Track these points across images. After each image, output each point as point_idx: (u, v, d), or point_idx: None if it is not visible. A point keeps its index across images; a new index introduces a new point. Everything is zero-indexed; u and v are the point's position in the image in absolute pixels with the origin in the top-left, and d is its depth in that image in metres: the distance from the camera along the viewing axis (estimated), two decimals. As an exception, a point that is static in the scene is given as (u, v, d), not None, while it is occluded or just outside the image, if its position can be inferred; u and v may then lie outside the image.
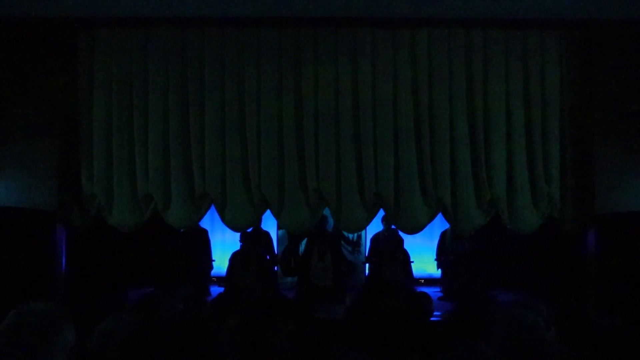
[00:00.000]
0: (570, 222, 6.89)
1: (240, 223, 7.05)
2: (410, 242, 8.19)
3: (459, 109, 6.84)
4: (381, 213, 8.36)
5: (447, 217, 7.03)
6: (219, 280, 8.13)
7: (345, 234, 8.51)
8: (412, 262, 7.89)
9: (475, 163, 6.86)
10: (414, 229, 7.08)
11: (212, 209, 8.79)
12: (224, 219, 6.98)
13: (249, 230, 7.91)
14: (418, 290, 5.58)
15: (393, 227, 7.95)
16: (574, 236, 7.01)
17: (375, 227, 8.33)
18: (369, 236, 8.25)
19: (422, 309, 3.87)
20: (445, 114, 6.84)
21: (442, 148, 6.83)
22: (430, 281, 8.67)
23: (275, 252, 8.20)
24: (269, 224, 8.47)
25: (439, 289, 8.11)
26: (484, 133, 6.86)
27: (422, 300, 4.08)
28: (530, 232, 7.00)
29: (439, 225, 8.77)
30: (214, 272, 8.13)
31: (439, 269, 8.13)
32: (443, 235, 8.15)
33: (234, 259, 7.64)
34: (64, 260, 6.97)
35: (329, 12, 6.64)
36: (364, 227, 7.49)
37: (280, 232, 8.47)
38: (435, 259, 8.14)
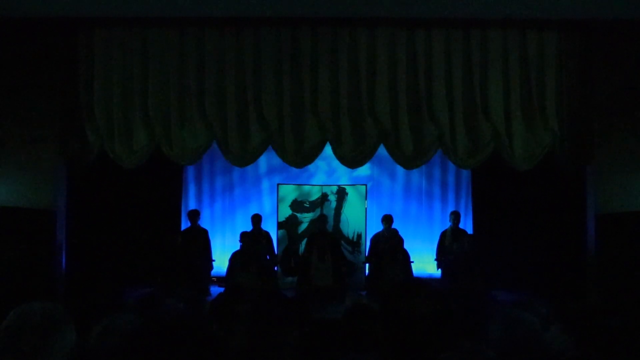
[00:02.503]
0: (570, 156, 6.92)
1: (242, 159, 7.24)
2: (410, 242, 8.20)
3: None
4: (382, 211, 8.41)
5: (446, 151, 7.12)
6: (219, 280, 8.13)
7: (345, 234, 8.53)
8: (412, 262, 7.89)
9: (472, 95, 6.96)
10: (413, 164, 7.23)
11: (211, 219, 8.86)
12: (226, 154, 7.17)
13: (249, 230, 7.93)
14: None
15: (393, 227, 7.97)
16: (574, 174, 7.08)
17: (375, 227, 8.34)
18: (369, 236, 8.25)
19: (448, 308, 3.86)
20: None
21: (439, 91, 6.99)
22: (430, 281, 8.67)
23: (275, 252, 8.20)
24: (269, 224, 8.48)
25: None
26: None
27: (446, 300, 4.08)
28: (529, 168, 7.03)
29: (439, 225, 8.79)
30: (214, 272, 8.13)
31: (439, 269, 8.12)
32: (443, 235, 8.15)
33: (234, 259, 7.64)
34: (64, 260, 6.97)
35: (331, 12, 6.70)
36: (363, 163, 7.55)
37: (280, 232, 8.47)
38: (435, 259, 8.14)
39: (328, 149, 9.15)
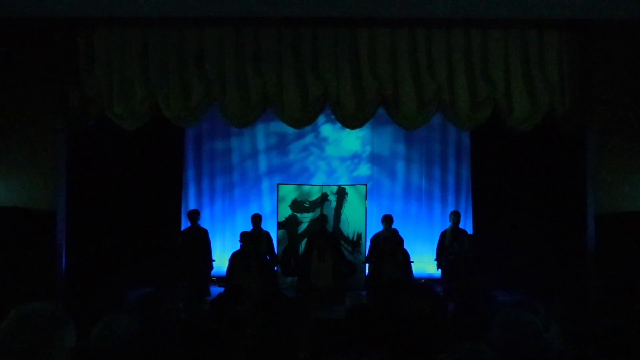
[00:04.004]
0: (570, 113, 6.92)
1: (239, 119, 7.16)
2: (410, 242, 8.20)
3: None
4: (382, 211, 8.41)
5: (446, 112, 7.08)
6: (219, 280, 8.13)
7: (345, 234, 8.53)
8: (412, 262, 7.89)
9: (469, 52, 6.96)
10: (412, 125, 7.17)
11: (211, 219, 8.84)
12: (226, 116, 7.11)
13: (249, 230, 7.93)
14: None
15: (393, 227, 7.97)
16: (573, 133, 7.07)
17: (375, 227, 8.35)
18: (369, 236, 8.25)
19: (445, 309, 3.86)
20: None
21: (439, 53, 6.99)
22: (430, 281, 8.66)
23: (275, 252, 8.20)
24: (269, 224, 8.49)
25: (439, 289, 8.10)
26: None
27: (443, 301, 4.07)
28: (529, 129, 7.00)
29: (439, 225, 8.80)
30: (214, 272, 8.14)
31: (439, 269, 8.13)
32: (443, 235, 8.16)
33: (234, 259, 7.64)
34: (64, 260, 6.97)
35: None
36: (363, 123, 7.41)
37: (280, 232, 8.48)
38: (435, 259, 8.14)
39: (328, 149, 9.24)
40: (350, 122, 7.23)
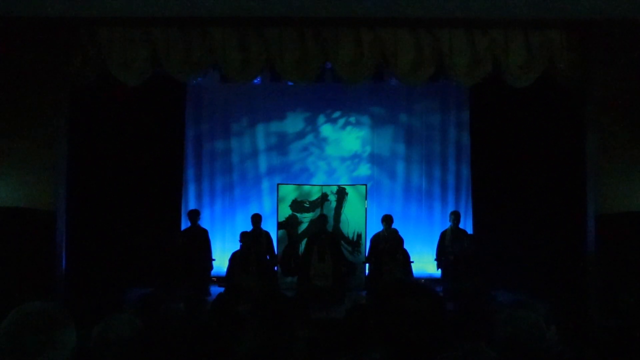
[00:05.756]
0: (569, 69, 6.89)
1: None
2: (410, 243, 8.20)
3: None
4: (382, 211, 8.41)
5: (446, 68, 7.05)
6: (219, 280, 8.13)
7: (345, 234, 8.53)
8: (412, 262, 7.89)
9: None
10: (412, 80, 7.15)
11: (211, 219, 8.79)
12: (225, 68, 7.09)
13: (249, 230, 7.92)
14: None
15: (393, 227, 7.97)
16: (572, 92, 7.03)
17: (375, 227, 8.34)
18: (369, 236, 8.25)
19: (445, 309, 3.87)
20: None
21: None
22: (430, 281, 8.66)
23: (275, 252, 8.20)
24: (269, 224, 8.48)
25: (439, 289, 8.11)
26: None
27: (443, 301, 4.08)
28: (527, 84, 6.96)
29: (439, 225, 8.80)
30: (214, 272, 8.14)
31: (439, 269, 8.13)
32: (443, 235, 8.15)
33: (234, 259, 7.64)
34: (64, 260, 6.97)
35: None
36: (362, 79, 7.34)
37: (280, 232, 8.48)
38: (435, 259, 8.14)
39: (328, 149, 9.24)
40: (349, 74, 7.14)
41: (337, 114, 9.28)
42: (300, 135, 9.19)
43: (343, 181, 8.99)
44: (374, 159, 9.24)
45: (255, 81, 8.19)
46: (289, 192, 8.60)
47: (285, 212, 8.51)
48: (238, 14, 6.92)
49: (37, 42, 6.80)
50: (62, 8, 6.61)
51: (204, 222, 8.45)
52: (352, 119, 9.27)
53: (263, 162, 9.22)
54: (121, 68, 6.95)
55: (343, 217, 8.60)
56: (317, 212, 8.46)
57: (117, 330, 2.65)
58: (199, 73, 7.25)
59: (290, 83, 8.14)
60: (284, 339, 2.26)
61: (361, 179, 9.07)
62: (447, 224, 8.21)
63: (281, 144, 9.22)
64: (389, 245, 7.80)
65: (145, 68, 7.01)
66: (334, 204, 8.59)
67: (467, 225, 8.64)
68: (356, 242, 8.51)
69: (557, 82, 7.17)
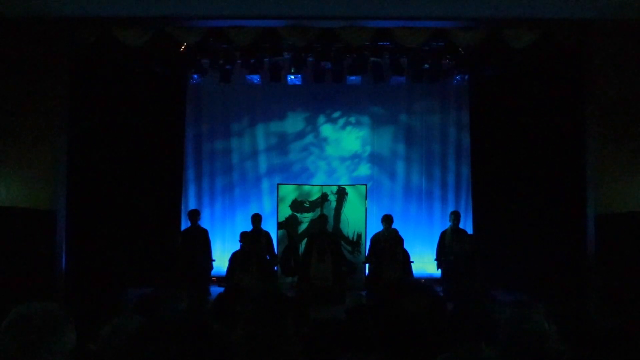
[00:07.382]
0: (568, 33, 6.85)
1: None
2: (410, 243, 8.20)
3: None
4: (382, 211, 8.41)
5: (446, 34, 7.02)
6: (219, 280, 8.13)
7: (345, 234, 8.53)
8: (412, 262, 7.89)
9: None
10: (411, 38, 7.07)
11: (211, 219, 8.74)
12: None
13: (249, 230, 7.92)
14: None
15: (393, 227, 7.97)
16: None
17: (375, 227, 8.34)
18: (369, 236, 8.25)
19: (445, 309, 3.87)
20: None
21: None
22: (430, 281, 8.66)
23: (275, 252, 8.20)
24: (269, 224, 8.49)
25: (439, 289, 8.10)
26: None
27: (443, 301, 4.07)
28: (524, 45, 6.89)
29: (439, 225, 8.80)
30: (214, 272, 8.14)
31: (439, 269, 8.13)
32: (443, 235, 8.15)
33: (234, 259, 7.64)
34: (64, 260, 6.97)
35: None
36: (363, 41, 7.26)
37: (280, 232, 8.48)
38: (435, 259, 8.14)
39: (328, 149, 9.24)
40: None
41: (337, 114, 9.28)
42: (300, 135, 9.20)
43: (343, 181, 9.00)
44: (374, 159, 9.25)
45: (255, 81, 8.20)
46: (289, 192, 8.60)
47: (285, 212, 8.51)
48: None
49: (37, 41, 6.80)
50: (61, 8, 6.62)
51: (204, 222, 8.45)
52: (352, 119, 9.28)
53: (263, 162, 9.23)
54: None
55: (343, 217, 8.61)
56: (317, 212, 8.46)
57: (126, 331, 2.65)
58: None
59: (289, 83, 8.12)
60: (278, 334, 2.26)
61: (361, 179, 9.07)
62: (447, 224, 8.21)
63: (281, 144, 9.23)
64: (389, 245, 7.80)
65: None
66: (334, 204, 8.59)
67: (467, 225, 8.64)
68: (356, 242, 8.51)
69: (557, 82, 7.17)
